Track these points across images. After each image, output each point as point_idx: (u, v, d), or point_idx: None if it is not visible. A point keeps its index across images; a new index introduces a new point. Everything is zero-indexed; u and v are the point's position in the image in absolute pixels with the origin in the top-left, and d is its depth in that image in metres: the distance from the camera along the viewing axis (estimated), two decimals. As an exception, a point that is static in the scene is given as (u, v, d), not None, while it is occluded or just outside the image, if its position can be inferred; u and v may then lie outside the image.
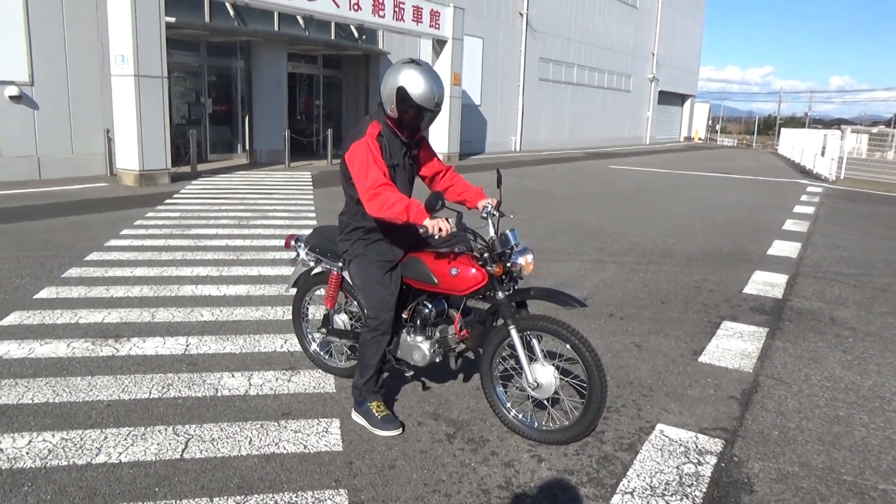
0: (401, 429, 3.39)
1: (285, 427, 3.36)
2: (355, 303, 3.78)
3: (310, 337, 4.15)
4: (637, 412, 3.71)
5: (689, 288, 6.42)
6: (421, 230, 3.08)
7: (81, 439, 3.15)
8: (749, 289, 6.48)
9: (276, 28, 16.76)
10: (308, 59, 19.54)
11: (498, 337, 3.38)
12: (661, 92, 41.90)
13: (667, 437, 3.42)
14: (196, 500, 2.73)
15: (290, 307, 5.21)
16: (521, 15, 26.37)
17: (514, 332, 3.26)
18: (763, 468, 3.16)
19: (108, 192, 11.13)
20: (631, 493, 2.90)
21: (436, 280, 3.36)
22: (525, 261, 3.27)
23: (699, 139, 50.05)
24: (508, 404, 3.46)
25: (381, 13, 16.74)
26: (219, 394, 3.72)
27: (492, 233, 3.33)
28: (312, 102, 20.21)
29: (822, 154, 22.07)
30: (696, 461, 3.18)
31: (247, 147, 17.45)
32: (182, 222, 8.62)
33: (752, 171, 22.73)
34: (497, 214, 3.40)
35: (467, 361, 4.30)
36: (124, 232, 7.87)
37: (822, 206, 13.56)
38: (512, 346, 3.31)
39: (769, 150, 42.59)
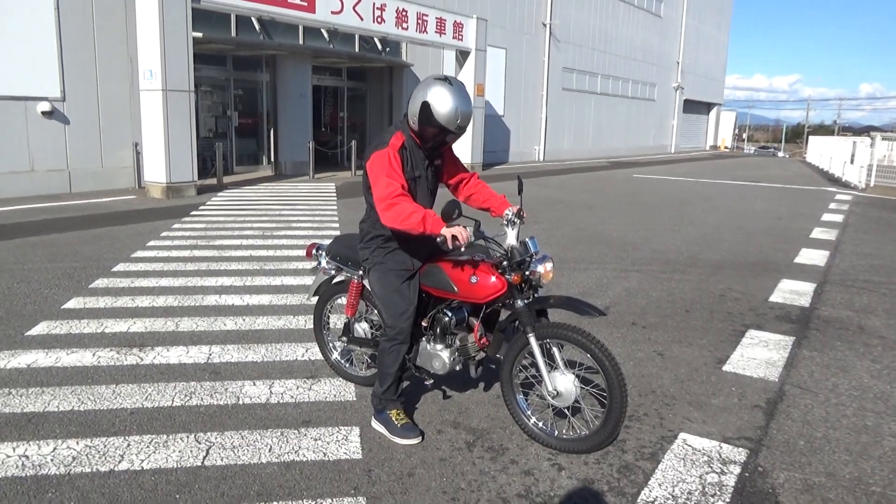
0: (420, 437, 3.39)
1: (305, 435, 3.38)
2: (376, 311, 3.78)
3: (331, 346, 4.17)
4: (659, 421, 3.66)
5: (713, 296, 6.34)
6: (439, 240, 3.06)
7: (105, 447, 3.20)
8: (775, 297, 6.37)
9: (300, 41, 16.99)
10: (332, 71, 19.76)
11: (518, 345, 3.36)
12: (686, 100, 41.59)
13: (689, 446, 3.37)
14: (216, 506, 2.75)
15: (312, 316, 5.28)
16: (545, 25, 26.41)
17: (533, 341, 3.25)
18: (788, 478, 3.10)
19: (136, 205, 11.33)
20: (653, 503, 2.86)
21: (455, 288, 3.36)
22: (544, 269, 3.27)
23: (725, 147, 49.52)
24: (529, 412, 3.44)
25: (405, 25, 16.88)
26: (240, 402, 3.75)
27: (512, 241, 3.30)
28: (337, 114, 20.42)
29: (852, 162, 21.68)
30: (719, 471, 3.13)
31: (272, 159, 17.67)
32: (207, 233, 8.75)
33: (781, 180, 22.41)
34: (518, 222, 3.37)
35: (488, 370, 4.29)
36: (151, 243, 8.00)
37: (851, 214, 13.31)
38: (532, 355, 3.29)
39: (797, 158, 41.97)
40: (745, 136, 58.46)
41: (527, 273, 3.25)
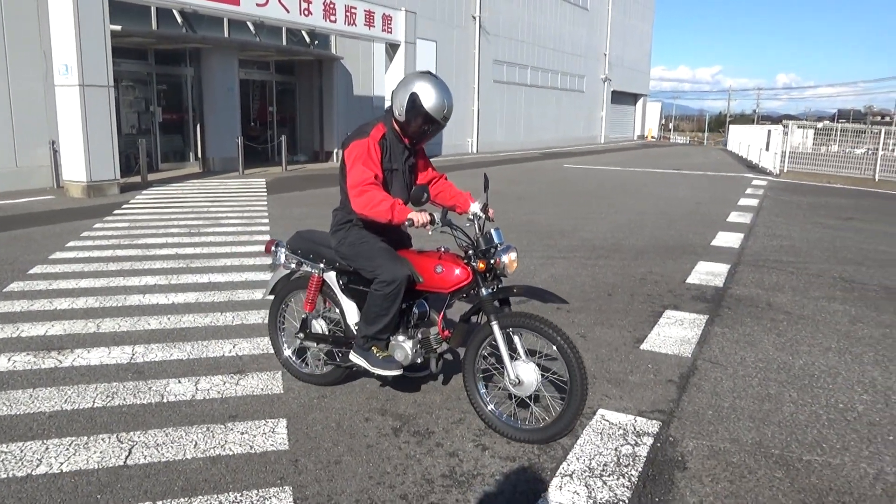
0: (401, 370, 3.49)
1: (232, 429, 3.37)
2: (335, 307, 3.77)
3: (284, 343, 4.09)
4: (579, 400, 3.81)
5: (635, 280, 6.60)
6: (406, 223, 3.18)
7: (21, 451, 3.12)
8: (692, 279, 6.68)
9: (226, 34, 16.63)
10: (260, 65, 19.41)
11: (481, 334, 3.38)
12: (614, 92, 42.65)
13: (607, 421, 3.53)
14: (139, 504, 2.73)
15: (238, 312, 5.24)
16: (474, 18, 26.60)
17: (496, 329, 3.27)
18: (696, 446, 3.29)
19: (55, 205, 10.90)
20: (570, 476, 3.00)
21: (420, 278, 3.40)
22: (509, 258, 3.32)
23: (652, 137, 51.06)
24: (487, 399, 3.45)
25: (333, 18, 16.72)
26: (165, 400, 3.70)
27: (477, 232, 3.41)
28: (266, 109, 20.08)
29: (767, 149, 22.76)
30: (633, 442, 3.30)
31: (199, 155, 17.25)
32: (131, 232, 8.51)
33: (703, 167, 23.30)
34: (483, 216, 3.49)
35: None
36: (70, 244, 7.73)
37: (765, 199, 14.00)
38: (494, 343, 3.31)
39: (718, 147, 43.67)
40: (671, 126, 60.39)
41: (492, 262, 3.30)
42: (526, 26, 31.16)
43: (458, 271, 3.34)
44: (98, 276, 6.33)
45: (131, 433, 3.31)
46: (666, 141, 51.72)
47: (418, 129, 3.36)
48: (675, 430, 3.47)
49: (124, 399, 3.70)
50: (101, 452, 3.12)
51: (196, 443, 3.23)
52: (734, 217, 11.07)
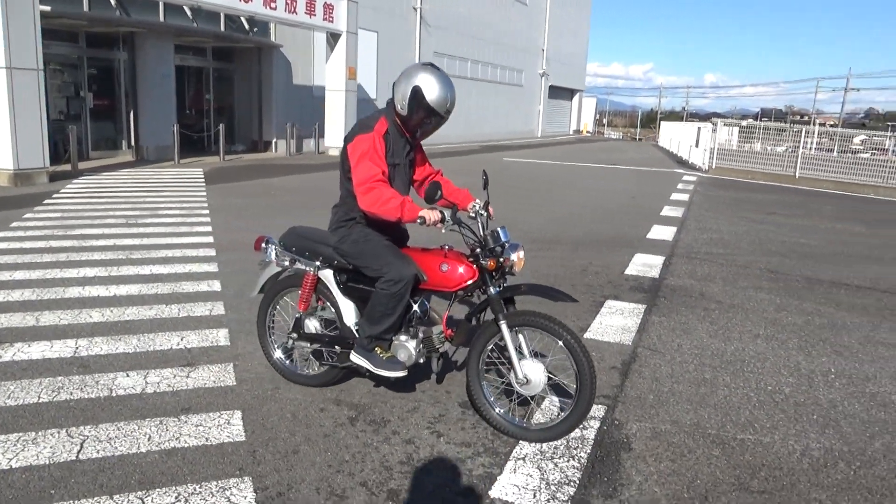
0: (405, 371, 3.41)
1: (186, 422, 3.36)
2: (330, 307, 3.66)
3: (274, 344, 3.96)
4: (528, 387, 3.95)
5: (576, 271, 6.82)
6: (419, 221, 3.11)
7: (-34, 447, 3.03)
8: (630, 270, 6.96)
9: (161, 19, 16.10)
10: (197, 51, 18.88)
11: (487, 333, 3.34)
12: (551, 87, 43.31)
13: (556, 407, 3.68)
14: (95, 499, 2.71)
15: (184, 305, 5.17)
16: (415, 9, 26.56)
17: (505, 328, 3.24)
18: (640, 428, 3.48)
19: (-22, 193, 10.38)
20: (523, 459, 3.13)
21: (425, 276, 3.34)
22: (518, 257, 3.29)
23: (587, 132, 52.17)
24: (492, 400, 3.43)
25: (273, 5, 16.42)
26: (113, 394, 3.65)
27: (481, 231, 3.37)
28: (202, 96, 19.55)
29: (696, 145, 23.64)
30: (581, 426, 3.46)
31: (132, 143, 16.68)
32: (64, 223, 8.21)
33: (636, 162, 24.02)
34: (485, 214, 3.46)
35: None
36: (0, 235, 7.42)
37: (695, 194, 14.59)
38: (502, 342, 3.29)
39: (651, 143, 44.99)
40: (605, 121, 61.81)
41: (500, 260, 3.26)
42: (466, 19, 31.30)
43: (463, 270, 3.31)
44: (33, 267, 6.11)
45: (81, 427, 3.26)
46: (600, 136, 52.93)
47: (420, 123, 3.30)
48: (620, 413, 3.65)
49: (71, 394, 3.63)
50: (51, 448, 3.06)
51: (150, 436, 3.21)
52: (667, 211, 11.51)
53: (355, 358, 3.46)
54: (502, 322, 3.25)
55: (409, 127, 3.34)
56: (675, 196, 13.82)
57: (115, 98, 16.48)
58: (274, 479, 2.90)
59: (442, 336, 3.44)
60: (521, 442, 3.29)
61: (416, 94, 3.19)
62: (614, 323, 5.18)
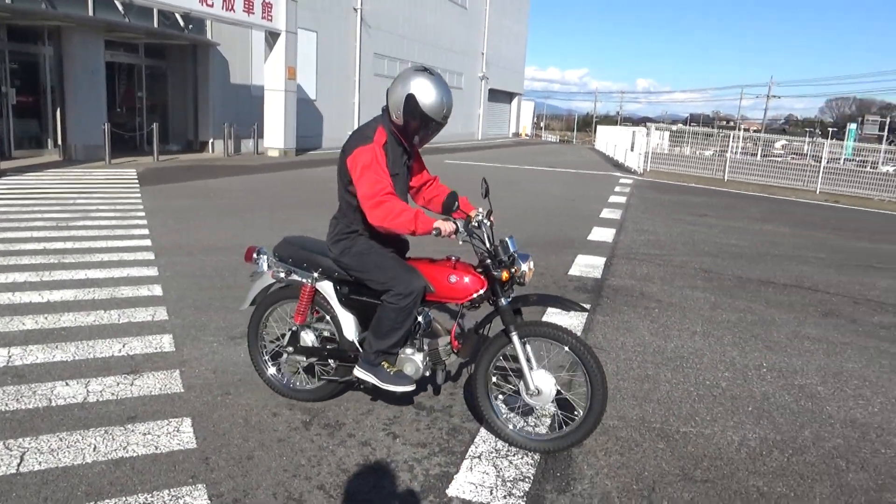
0: (414, 385, 3.35)
1: (133, 430, 3.27)
2: (328, 317, 3.55)
3: (267, 359, 3.79)
4: (480, 387, 4.01)
5: (521, 273, 6.94)
6: (434, 233, 3.04)
7: None
8: (573, 271, 7.13)
9: (90, 13, 15.49)
10: (128, 47, 18.25)
11: (496, 345, 3.29)
12: (491, 90, 43.78)
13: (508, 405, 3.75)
14: (40, 511, 2.62)
15: (124, 310, 5.02)
16: (355, 10, 26.39)
17: (516, 339, 3.20)
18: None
19: None
20: (479, 457, 3.19)
21: (432, 288, 3.27)
22: (528, 267, 3.25)
23: (526, 135, 52.96)
24: (505, 417, 3.41)
25: (210, 2, 16.05)
26: (53, 404, 3.52)
27: (487, 241, 3.28)
28: (134, 94, 18.92)
29: (632, 149, 24.34)
30: (533, 424, 3.54)
31: (59, 142, 16.00)
32: (-11, 225, 7.82)
33: (574, 165, 24.55)
34: (489, 223, 3.35)
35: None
36: (-82, 238, 7.01)
37: (632, 196, 15.03)
38: (512, 354, 3.27)
39: (587, 146, 46.03)
40: (542, 124, 62.90)
41: (512, 270, 3.21)
42: (407, 21, 31.33)
43: (472, 281, 3.24)
44: (-43, 273, 5.81)
45: (20, 440, 3.14)
46: (538, 139, 53.81)
47: (417, 130, 3.19)
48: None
49: (6, 404, 3.48)
50: (-12, 461, 2.94)
51: (95, 446, 3.11)
52: (606, 213, 11.83)
53: (360, 373, 3.36)
54: (514, 333, 3.20)
55: (406, 135, 3.24)
56: (612, 199, 14.20)
57: (39, 94, 15.78)
58: (229, 485, 2.86)
59: (448, 348, 3.37)
60: (475, 440, 3.34)
61: (411, 101, 3.09)
62: (560, 322, 5.28)
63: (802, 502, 3.00)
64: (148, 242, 7.34)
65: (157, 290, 5.59)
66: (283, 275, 3.57)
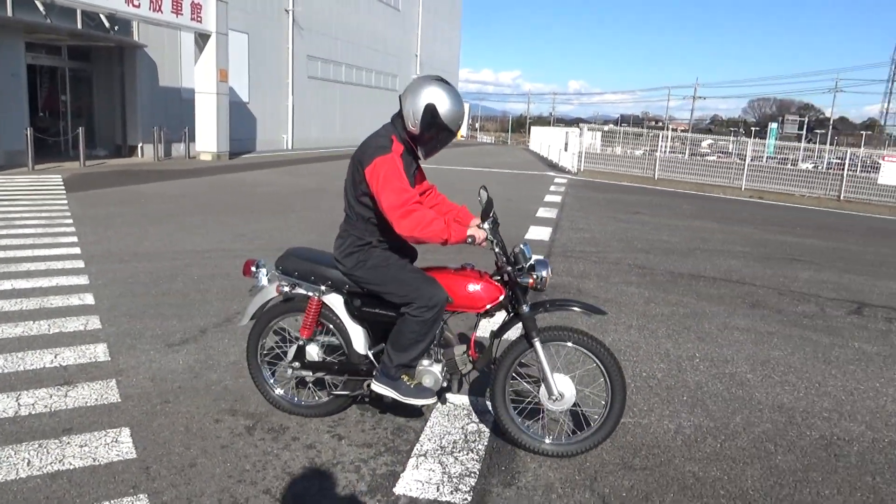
0: (435, 397, 3.29)
1: (69, 443, 3.17)
2: (335, 331, 3.45)
3: (272, 380, 3.65)
4: (424, 386, 4.05)
5: (462, 272, 7.02)
6: (468, 240, 3.03)
7: None
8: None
9: (9, 13, 14.79)
10: (51, 49, 17.52)
11: (515, 352, 3.28)
12: (426, 92, 43.87)
13: (451, 403, 3.80)
14: (-29, 530, 2.51)
15: (54, 320, 4.84)
16: (287, 11, 26.06)
17: (539, 346, 3.21)
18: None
19: None
20: (424, 455, 3.22)
21: (450, 298, 3.23)
22: (547, 273, 3.24)
23: (462, 136, 53.36)
24: (530, 429, 3.39)
25: (136, 2, 15.58)
26: (-19, 419, 3.37)
27: (500, 250, 3.26)
28: (58, 98, 18.18)
29: (566, 149, 24.86)
30: (477, 420, 3.60)
31: (-25, 148, 15.21)
32: None
33: (510, 166, 24.90)
34: (496, 227, 3.30)
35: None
36: None
37: (566, 195, 15.37)
38: (524, 362, 3.31)
39: (522, 147, 46.73)
40: (477, 126, 63.50)
41: (535, 277, 3.21)
42: (340, 23, 31.11)
43: (490, 289, 3.24)
44: None
45: (-54, 458, 3.00)
46: (474, 140, 54.30)
47: (431, 140, 3.14)
48: (513, 406, 3.82)
49: (-71, 422, 3.31)
50: (-88, 481, 2.80)
51: (29, 461, 3.00)
52: (542, 212, 12.06)
53: (378, 387, 3.28)
54: (536, 340, 3.22)
55: (420, 144, 3.18)
56: (548, 198, 14.48)
57: (-47, 98, 14.97)
58: (171, 494, 2.81)
59: (465, 357, 3.34)
60: (420, 440, 3.37)
61: (431, 111, 3.04)
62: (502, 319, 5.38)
63: (735, 485, 3.15)
64: (77, 250, 7.08)
65: (89, 299, 5.41)
66: (287, 288, 3.44)
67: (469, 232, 3.05)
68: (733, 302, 6.54)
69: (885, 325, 6.11)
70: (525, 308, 3.24)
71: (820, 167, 28.78)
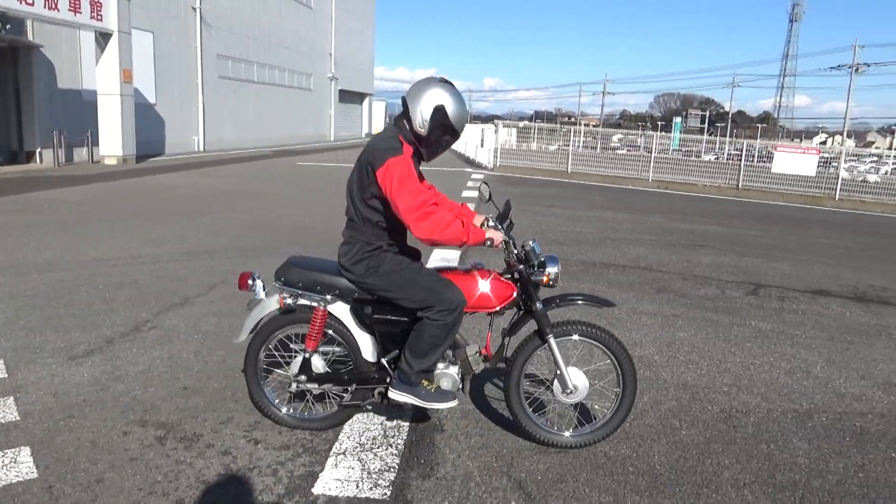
0: (456, 399, 3.28)
1: (-39, 467, 2.99)
2: (341, 340, 3.37)
3: (276, 399, 3.52)
4: (343, 385, 4.04)
5: (380, 270, 7.02)
6: (487, 243, 3.03)
7: None
8: (430, 264, 7.19)
9: None
10: (-72, 49, 16.31)
11: (528, 348, 3.33)
12: (341, 90, 43.51)
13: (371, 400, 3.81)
14: None
15: (-54, 338, 4.53)
16: (194, 9, 25.22)
17: (553, 342, 3.26)
18: (450, 411, 3.71)
19: None
20: (343, 454, 3.22)
21: (465, 299, 3.20)
22: (558, 269, 3.29)
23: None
24: (546, 425, 3.45)
25: (29, 0, 14.69)
26: None
27: (513, 247, 3.29)
28: (-59, 101, 16.94)
29: (482, 146, 25.20)
30: (396, 416, 3.62)
31: None
32: None
33: (427, 164, 24.96)
34: (510, 229, 3.35)
35: (173, 364, 4.25)
36: None
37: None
38: (550, 353, 3.34)
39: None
40: (397, 124, 63.40)
41: (547, 273, 3.25)
42: (252, 21, 30.37)
43: (504, 288, 3.26)
44: None
45: None
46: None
47: (437, 142, 3.13)
48: (431, 399, 3.86)
49: None
50: None
51: (-85, 488, 2.81)
52: (461, 208, 12.17)
53: (397, 395, 3.24)
54: (550, 336, 3.27)
55: (424, 145, 3.15)
56: (465, 193, 14.63)
57: None
58: (77, 512, 2.70)
59: (478, 357, 3.34)
60: (340, 438, 3.37)
61: (440, 112, 3.02)
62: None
63: (643, 461, 3.31)
64: (-33, 264, 6.65)
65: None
66: (290, 301, 3.32)
67: (487, 234, 3.07)
68: (641, 288, 6.82)
69: (778, 304, 6.53)
70: (538, 305, 3.28)
71: (721, 158, 30.26)
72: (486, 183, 3.46)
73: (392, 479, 3.02)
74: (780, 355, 5.02)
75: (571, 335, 3.33)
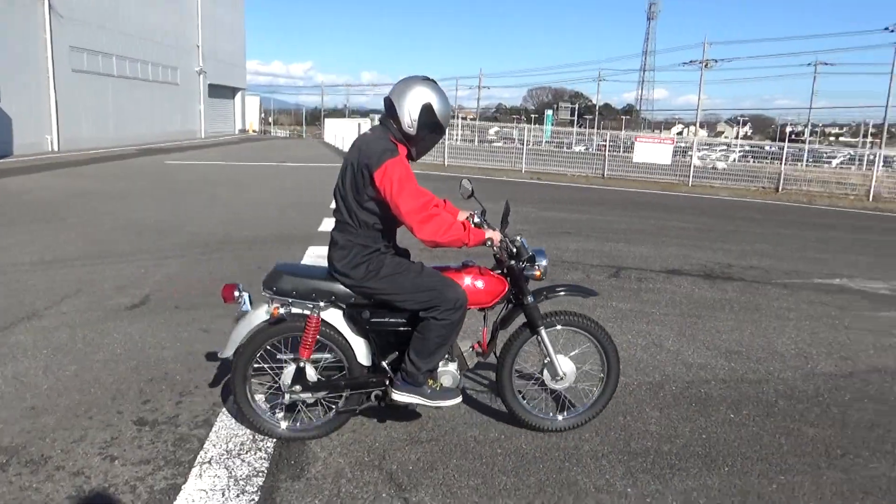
0: (460, 395, 3.33)
1: None
2: (334, 346, 3.27)
3: (268, 413, 3.37)
4: (210, 391, 3.91)
5: (251, 270, 6.82)
6: (487, 244, 3.08)
7: None
8: (305, 262, 7.19)
9: None
10: None
11: (519, 341, 3.43)
12: (210, 85, 41.73)
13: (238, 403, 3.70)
14: None
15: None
16: (39, -2, 23.28)
17: (544, 333, 3.39)
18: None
19: None
20: (209, 462, 3.11)
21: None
22: (548, 262, 3.41)
23: (254, 131, 51.55)
24: (537, 410, 3.60)
25: None
26: None
27: (506, 243, 3.30)
28: None
29: (361, 140, 25.05)
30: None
31: None
32: None
33: (303, 160, 24.54)
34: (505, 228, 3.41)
35: (18, 383, 3.94)
36: None
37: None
38: (527, 349, 3.51)
39: (318, 139, 46.27)
40: (270, 119, 61.66)
41: (538, 268, 3.34)
42: (109, 12, 28.42)
43: (497, 283, 3.30)
44: None
45: None
46: (267, 134, 52.71)
47: (424, 140, 3.11)
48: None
49: None
50: None
51: None
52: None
53: (401, 396, 3.22)
54: (541, 328, 3.38)
55: (414, 144, 3.12)
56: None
57: None
58: None
59: (472, 352, 3.41)
60: (205, 446, 3.26)
61: (428, 110, 3.02)
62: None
63: (511, 442, 3.44)
64: None
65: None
66: (282, 311, 3.19)
67: (487, 235, 3.12)
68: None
69: (637, 285, 6.97)
70: (530, 298, 3.37)
71: (590, 149, 31.76)
72: (468, 179, 3.53)
73: (261, 483, 2.96)
74: (637, 332, 5.36)
75: (556, 325, 3.48)
